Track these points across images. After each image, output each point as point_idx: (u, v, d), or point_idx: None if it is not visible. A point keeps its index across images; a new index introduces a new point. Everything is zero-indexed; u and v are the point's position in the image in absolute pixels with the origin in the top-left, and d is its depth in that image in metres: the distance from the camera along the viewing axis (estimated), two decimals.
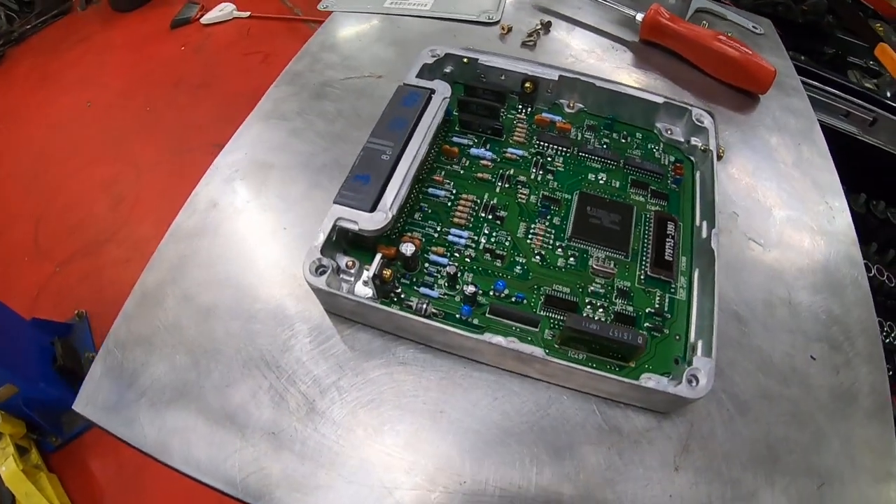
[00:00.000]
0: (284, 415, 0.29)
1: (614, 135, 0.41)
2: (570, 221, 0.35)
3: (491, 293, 0.33)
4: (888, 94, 0.68)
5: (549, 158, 0.39)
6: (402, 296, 0.32)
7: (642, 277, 0.34)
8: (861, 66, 0.76)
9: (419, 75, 0.39)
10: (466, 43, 0.48)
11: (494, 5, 0.53)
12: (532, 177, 0.38)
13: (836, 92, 0.62)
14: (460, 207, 0.36)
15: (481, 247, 0.34)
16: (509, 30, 0.51)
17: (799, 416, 0.31)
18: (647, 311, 0.32)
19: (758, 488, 0.29)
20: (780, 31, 0.57)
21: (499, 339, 0.28)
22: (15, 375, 0.76)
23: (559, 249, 0.35)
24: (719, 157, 0.39)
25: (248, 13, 1.55)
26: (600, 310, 0.32)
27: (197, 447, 0.28)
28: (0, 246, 1.09)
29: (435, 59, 0.41)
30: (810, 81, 0.60)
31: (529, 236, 0.35)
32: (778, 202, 0.40)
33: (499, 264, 0.34)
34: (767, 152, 0.44)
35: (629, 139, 0.41)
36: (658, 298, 0.33)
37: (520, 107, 0.42)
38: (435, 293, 0.32)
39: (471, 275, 0.33)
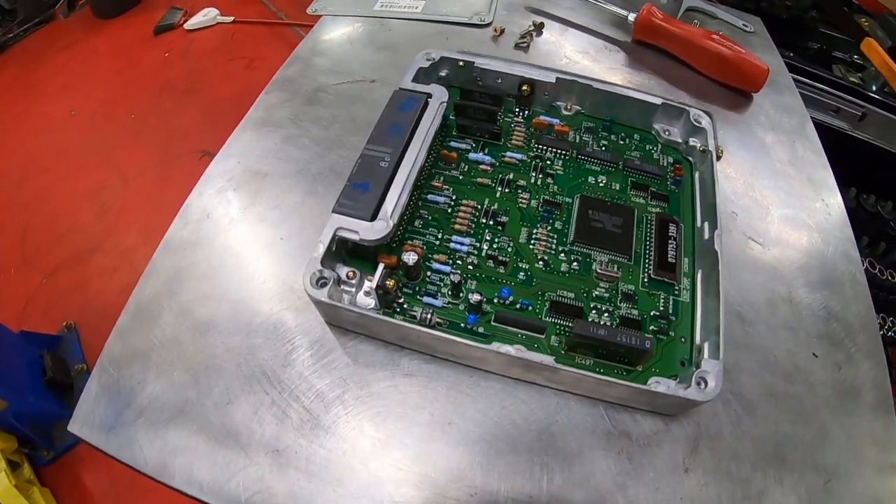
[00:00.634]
0: (288, 431, 0.29)
1: (612, 137, 0.41)
2: (572, 225, 0.35)
3: (496, 300, 0.32)
4: (874, 88, 0.69)
5: (548, 162, 0.39)
6: (405, 305, 0.32)
7: (646, 280, 0.34)
8: (846, 60, 0.77)
9: (414, 79, 0.39)
10: (459, 45, 0.48)
11: (486, 7, 0.52)
12: (532, 181, 0.38)
13: (826, 88, 0.63)
14: (461, 214, 0.35)
15: (483, 253, 0.34)
16: (502, 31, 0.50)
17: (804, 413, 0.31)
18: (651, 314, 0.32)
19: (767, 487, 0.29)
20: (765, 26, 0.57)
21: (508, 349, 0.28)
22: (4, 389, 0.74)
23: (562, 254, 0.34)
24: (718, 158, 0.39)
25: (231, 18, 1.53)
26: (605, 314, 0.32)
27: (199, 467, 0.28)
28: None
29: (430, 62, 0.40)
30: (799, 78, 0.60)
31: (532, 242, 0.35)
32: (775, 200, 0.41)
33: (502, 271, 0.33)
34: (763, 151, 0.44)
35: (627, 141, 0.40)
36: (662, 301, 0.33)
37: (517, 110, 0.42)
38: (438, 302, 0.32)
39: (474, 282, 0.33)
